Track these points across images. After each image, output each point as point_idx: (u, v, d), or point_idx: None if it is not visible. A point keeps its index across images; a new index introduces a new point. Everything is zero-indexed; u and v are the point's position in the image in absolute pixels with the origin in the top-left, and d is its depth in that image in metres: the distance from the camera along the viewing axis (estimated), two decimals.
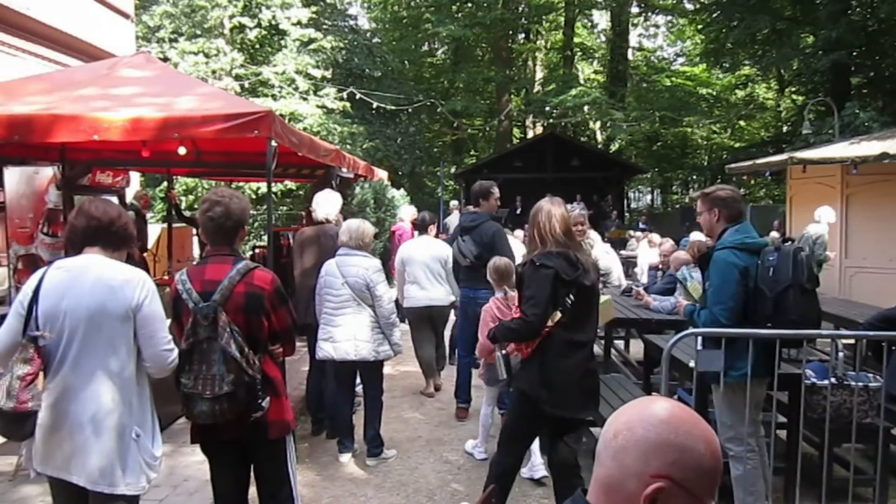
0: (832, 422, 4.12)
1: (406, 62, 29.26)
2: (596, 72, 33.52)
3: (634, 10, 29.73)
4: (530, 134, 30.55)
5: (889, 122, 13.79)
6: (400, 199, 11.92)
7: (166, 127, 4.65)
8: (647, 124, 25.58)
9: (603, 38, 32.86)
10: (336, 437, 5.28)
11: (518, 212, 19.24)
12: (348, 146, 18.42)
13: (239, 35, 20.55)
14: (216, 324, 2.87)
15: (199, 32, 19.88)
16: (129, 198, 9.24)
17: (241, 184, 18.42)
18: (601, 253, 10.28)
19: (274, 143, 4.83)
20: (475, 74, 27.91)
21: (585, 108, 24.80)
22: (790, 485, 4.19)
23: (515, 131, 31.60)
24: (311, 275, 5.39)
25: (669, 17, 30.71)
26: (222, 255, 3.08)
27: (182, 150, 6.26)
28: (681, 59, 33.10)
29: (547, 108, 27.41)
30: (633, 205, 34.64)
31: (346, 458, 5.12)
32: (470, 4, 27.37)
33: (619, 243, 15.05)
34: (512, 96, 28.71)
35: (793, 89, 24.49)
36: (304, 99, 19.83)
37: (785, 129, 24.48)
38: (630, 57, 30.84)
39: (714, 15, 20.89)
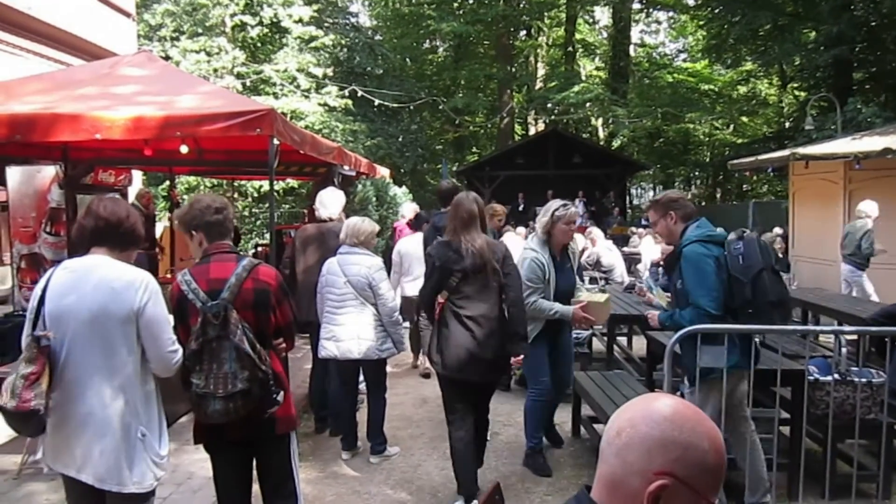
0: (835, 418, 4.12)
1: (408, 59, 29.26)
2: (598, 68, 33.45)
3: (636, 6, 29.66)
4: (532, 131, 30.54)
5: (891, 117, 13.76)
6: (402, 197, 11.92)
7: (168, 125, 4.66)
8: (649, 121, 25.51)
9: (605, 35, 32.79)
10: (339, 435, 5.28)
11: (520, 209, 19.25)
12: (350, 144, 18.42)
13: (240, 33, 20.56)
14: (227, 322, 2.87)
15: (200, 31, 19.89)
16: (131, 197, 9.27)
17: (243, 182, 18.47)
18: (604, 250, 10.29)
19: (276, 142, 4.83)
20: (477, 71, 27.87)
21: (587, 104, 24.75)
22: (793, 481, 4.19)
23: (517, 128, 31.56)
24: (314, 272, 5.39)
25: (671, 13, 30.64)
26: (224, 252, 3.08)
27: (184, 149, 6.27)
28: (683, 56, 33.03)
29: (549, 105, 27.36)
30: (635, 201, 34.58)
31: (349, 455, 5.12)
32: (471, 1, 27.33)
33: (621, 240, 15.05)
34: (513, 93, 28.68)
35: (795, 85, 24.44)
36: (306, 97, 19.83)
37: (787, 124, 24.42)
38: (632, 53, 30.78)
39: (716, 11, 20.85)
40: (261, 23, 20.11)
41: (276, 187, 7.15)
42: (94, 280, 2.64)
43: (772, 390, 4.53)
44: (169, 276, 8.63)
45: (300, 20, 19.86)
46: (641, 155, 30.14)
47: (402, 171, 23.10)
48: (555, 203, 4.66)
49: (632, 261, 12.02)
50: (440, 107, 24.63)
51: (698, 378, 3.83)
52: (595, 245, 10.17)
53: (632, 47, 30.91)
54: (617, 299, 6.78)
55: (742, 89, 27.62)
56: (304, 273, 5.62)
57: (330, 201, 5.71)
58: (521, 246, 7.90)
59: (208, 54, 19.26)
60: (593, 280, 9.73)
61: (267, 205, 16.40)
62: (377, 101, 20.60)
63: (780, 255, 10.41)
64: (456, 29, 24.97)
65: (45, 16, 8.42)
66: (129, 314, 2.64)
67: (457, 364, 4.07)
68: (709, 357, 3.82)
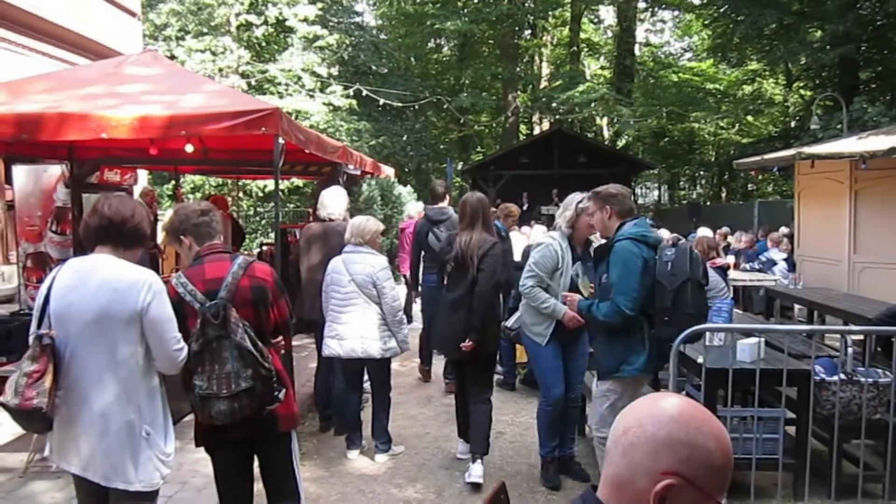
0: (841, 418, 4.11)
1: (412, 59, 29.28)
2: (602, 67, 33.42)
3: (641, 5, 29.58)
4: (537, 130, 30.48)
5: None
6: (407, 196, 11.94)
7: (174, 125, 4.66)
8: (654, 120, 25.47)
9: (609, 34, 32.73)
10: (344, 434, 5.29)
11: (525, 207, 19.23)
12: (355, 143, 18.44)
13: (245, 32, 20.60)
14: (227, 321, 2.86)
15: (205, 30, 19.93)
16: (136, 195, 9.28)
17: (248, 181, 18.51)
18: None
19: (281, 141, 4.83)
20: (481, 71, 27.85)
21: (592, 104, 24.71)
22: (799, 481, 4.18)
23: (522, 127, 31.53)
24: (318, 271, 5.40)
25: (676, 13, 30.56)
26: (217, 252, 3.08)
27: (189, 148, 6.27)
28: (688, 55, 32.93)
29: (553, 105, 27.34)
30: (640, 201, 34.52)
31: (354, 454, 5.12)
32: (475, 0, 27.32)
33: None
34: (518, 92, 28.65)
35: (800, 84, 24.36)
36: (311, 96, 19.85)
37: (793, 124, 24.32)
38: (637, 52, 30.70)
39: (721, 9, 20.78)
40: (266, 22, 20.14)
41: (281, 186, 7.15)
42: (97, 280, 2.64)
43: (778, 390, 4.52)
44: (173, 275, 8.63)
45: (305, 19, 19.87)
46: (646, 154, 30.08)
47: (407, 170, 23.13)
48: (577, 196, 4.52)
49: None
50: (445, 106, 24.64)
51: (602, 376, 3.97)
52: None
53: (637, 47, 30.82)
54: None
55: (747, 88, 27.53)
56: (309, 272, 5.62)
57: (330, 201, 5.70)
58: (522, 244, 7.93)
59: (213, 54, 19.29)
60: None
61: (272, 204, 16.43)
62: (382, 101, 20.60)
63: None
64: (460, 28, 24.96)
65: (50, 15, 8.44)
66: (133, 314, 2.64)
67: (438, 342, 4.91)
68: (711, 357, 3.83)
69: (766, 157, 11.14)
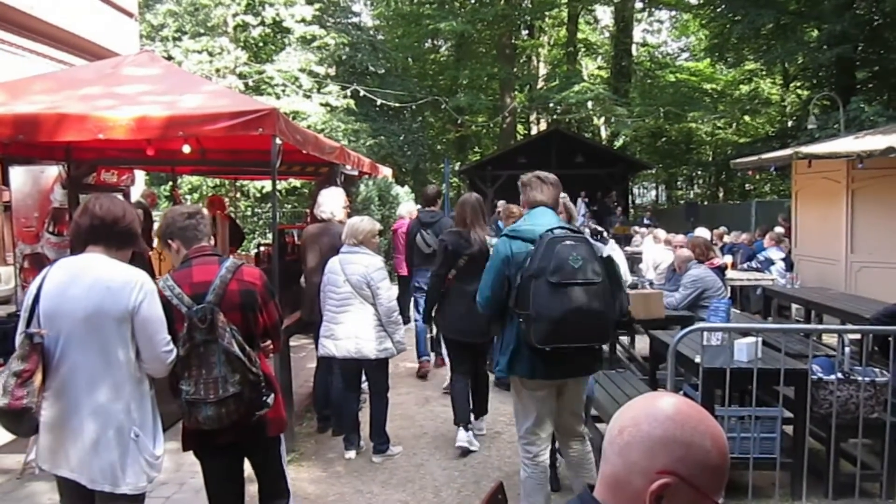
0: (839, 417, 4.12)
1: (409, 59, 29.26)
2: (600, 68, 33.44)
3: (638, 5, 29.65)
4: (534, 130, 30.53)
5: (894, 116, 13.72)
6: (404, 196, 11.92)
7: (171, 125, 4.65)
8: (652, 120, 25.50)
9: (606, 34, 32.78)
10: (342, 434, 5.29)
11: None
12: (352, 143, 18.42)
13: (242, 33, 20.57)
14: (214, 325, 2.83)
15: (202, 31, 19.91)
16: (134, 196, 9.28)
17: (245, 182, 18.48)
18: (606, 249, 10.26)
19: (278, 141, 4.83)
20: (478, 71, 27.84)
21: (589, 104, 24.72)
22: (797, 480, 4.18)
23: (519, 128, 31.55)
24: (316, 272, 5.40)
25: (673, 13, 30.62)
26: (206, 255, 3.06)
27: (186, 149, 6.27)
28: (685, 55, 33.00)
29: (551, 105, 27.37)
30: (637, 201, 34.57)
31: (351, 454, 5.13)
32: (472, 0, 27.32)
33: (623, 239, 15.02)
34: (515, 93, 28.66)
35: (798, 84, 24.41)
36: (308, 97, 19.83)
37: (790, 123, 24.35)
38: (634, 52, 30.74)
39: (718, 9, 20.83)
40: (263, 23, 20.11)
41: (278, 187, 7.16)
42: (89, 279, 2.62)
43: (775, 389, 4.52)
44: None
45: (302, 20, 19.85)
46: (644, 154, 30.12)
47: (405, 170, 23.10)
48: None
49: (634, 260, 12.00)
50: (442, 106, 24.64)
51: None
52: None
53: (634, 47, 30.87)
54: None
55: (744, 88, 27.58)
56: (308, 274, 5.63)
57: (324, 199, 5.73)
58: None
59: (210, 54, 19.27)
60: None
61: (269, 205, 16.40)
62: (379, 101, 20.59)
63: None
64: (457, 28, 24.96)
65: (47, 16, 8.43)
66: (125, 313, 2.63)
67: (458, 327, 5.14)
68: (708, 357, 3.84)
69: (764, 156, 11.14)
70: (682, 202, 30.06)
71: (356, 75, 22.13)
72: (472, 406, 5.33)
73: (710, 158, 31.24)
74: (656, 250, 10.09)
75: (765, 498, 4.27)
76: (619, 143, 29.24)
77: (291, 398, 5.43)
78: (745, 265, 10.45)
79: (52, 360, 2.61)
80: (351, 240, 4.95)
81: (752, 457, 4.09)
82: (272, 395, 3.04)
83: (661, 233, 10.83)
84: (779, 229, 11.73)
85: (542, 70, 31.04)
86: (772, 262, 10.06)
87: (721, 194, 30.78)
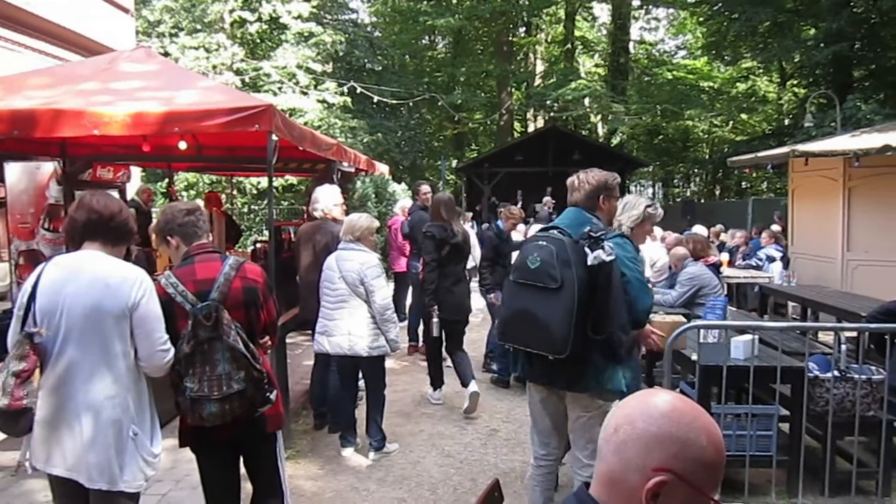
0: (835, 415, 4.13)
1: (406, 56, 29.23)
2: (597, 65, 33.44)
3: (635, 2, 29.65)
4: (531, 128, 30.50)
5: (891, 114, 13.74)
6: (401, 193, 11.92)
7: (167, 121, 4.63)
8: (649, 118, 25.52)
9: (604, 32, 32.77)
10: (338, 432, 5.28)
11: (519, 205, 19.21)
12: (349, 140, 18.40)
13: (239, 29, 20.50)
14: (219, 323, 2.83)
15: (199, 27, 19.85)
16: (130, 193, 9.25)
17: (241, 178, 18.43)
18: (601, 257, 10.24)
19: (275, 138, 4.80)
20: (475, 68, 27.83)
21: (586, 101, 24.73)
22: (793, 477, 4.19)
23: (516, 125, 31.54)
24: (310, 270, 5.40)
25: (670, 10, 30.62)
26: (207, 252, 3.05)
27: (183, 145, 6.25)
28: (682, 53, 33.01)
29: (548, 102, 27.34)
30: None
31: (348, 451, 5.12)
32: None
33: None
34: (512, 90, 28.64)
35: (794, 82, 24.42)
36: (305, 93, 19.79)
37: (787, 121, 24.38)
38: (631, 50, 30.75)
39: (715, 7, 20.82)
40: (259, 19, 20.05)
41: (274, 184, 7.14)
42: (88, 276, 2.61)
43: (771, 387, 4.53)
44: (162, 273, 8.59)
45: (299, 16, 19.80)
46: (641, 152, 30.13)
47: (402, 167, 23.08)
48: (642, 199, 4.02)
49: None
50: (439, 103, 24.62)
51: None
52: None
53: (631, 44, 30.88)
54: None
55: (741, 86, 27.61)
56: (303, 271, 5.63)
57: (318, 197, 5.73)
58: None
59: (207, 51, 19.20)
60: None
61: (266, 201, 16.36)
62: (376, 98, 20.55)
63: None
64: (454, 25, 24.95)
65: (42, 11, 8.38)
66: (124, 310, 2.61)
67: (453, 308, 6.00)
68: (705, 354, 3.83)
69: (760, 154, 11.15)
70: (678, 200, 30.08)
71: (353, 72, 22.10)
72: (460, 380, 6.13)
73: (707, 156, 31.26)
74: (653, 248, 10.10)
75: (761, 495, 4.28)
76: (615, 140, 29.23)
77: (287, 395, 5.43)
78: (742, 262, 10.45)
79: (48, 357, 2.59)
80: (348, 236, 4.94)
81: (748, 454, 4.10)
82: (274, 392, 3.05)
83: (657, 230, 10.83)
84: (775, 227, 11.75)
85: (540, 67, 31.03)
86: (773, 259, 10.06)
87: (718, 192, 30.81)
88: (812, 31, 18.42)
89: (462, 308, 6.12)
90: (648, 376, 5.83)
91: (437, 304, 5.92)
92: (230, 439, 3.06)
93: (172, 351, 2.79)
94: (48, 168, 7.17)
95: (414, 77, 27.29)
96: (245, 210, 20.41)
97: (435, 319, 5.95)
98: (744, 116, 27.78)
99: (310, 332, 5.68)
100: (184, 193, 17.50)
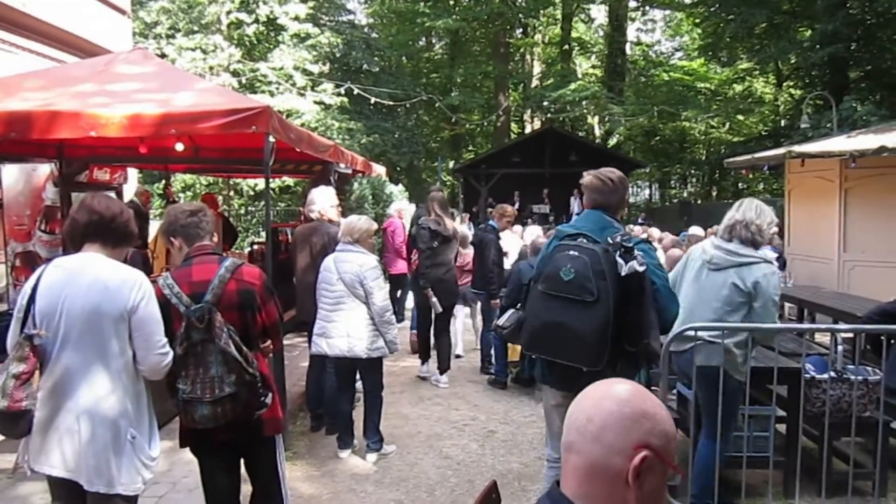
0: (831, 415, 4.13)
1: (404, 57, 29.24)
2: (594, 66, 33.45)
3: (632, 4, 29.68)
4: (528, 129, 30.52)
5: (887, 115, 13.78)
6: (398, 195, 11.92)
7: (164, 123, 4.62)
8: (646, 119, 25.52)
9: (601, 33, 32.80)
10: (335, 433, 5.27)
11: (516, 206, 19.25)
12: (346, 142, 18.40)
13: (236, 31, 20.51)
14: (211, 325, 2.83)
15: (196, 28, 19.85)
16: (127, 194, 9.24)
17: (238, 180, 18.44)
18: (634, 266, 10.25)
19: (272, 139, 4.80)
20: (472, 69, 27.84)
21: (583, 102, 24.74)
22: (790, 479, 4.19)
23: (513, 126, 31.55)
24: (307, 272, 5.39)
25: (667, 12, 30.65)
26: (206, 254, 3.05)
27: (179, 147, 6.24)
28: (679, 54, 33.04)
29: (545, 103, 27.39)
30: (631, 199, 34.58)
31: (345, 453, 5.11)
32: None
33: None
34: (510, 91, 28.65)
35: (791, 83, 24.46)
36: (302, 95, 19.79)
37: (783, 123, 24.43)
38: (628, 51, 30.78)
39: (711, 9, 20.89)
40: (257, 20, 20.06)
41: (271, 185, 7.13)
42: (87, 278, 2.60)
43: (768, 388, 4.53)
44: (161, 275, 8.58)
45: (296, 17, 19.81)
46: (637, 153, 30.15)
47: (399, 168, 23.10)
48: (765, 206, 3.94)
49: None
50: (436, 104, 24.64)
51: None
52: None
53: (628, 45, 30.91)
54: None
55: (738, 87, 27.63)
56: (299, 273, 5.63)
57: (313, 198, 5.73)
58: (517, 244, 7.95)
59: (204, 52, 19.20)
60: None
61: (263, 203, 16.37)
62: (373, 99, 20.56)
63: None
64: (451, 26, 24.96)
65: (38, 13, 8.36)
66: (123, 313, 2.61)
67: (444, 295, 6.72)
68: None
69: (757, 155, 11.18)
70: (675, 201, 30.10)
71: (350, 73, 22.10)
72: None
73: (704, 157, 31.27)
74: None
75: (758, 496, 4.28)
76: (612, 141, 29.25)
77: (285, 397, 5.41)
78: None
79: (47, 358, 2.59)
80: (347, 238, 4.93)
81: (745, 455, 4.11)
82: (270, 395, 3.04)
83: (655, 232, 10.84)
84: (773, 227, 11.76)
85: (537, 68, 31.04)
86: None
87: (714, 193, 30.82)
88: (808, 33, 18.47)
89: (451, 293, 6.90)
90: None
91: (431, 288, 6.68)
92: (228, 442, 3.06)
93: (171, 354, 2.79)
94: (45, 170, 7.17)
95: (411, 78, 27.31)
96: (242, 211, 20.43)
97: (434, 299, 6.71)
98: (740, 118, 27.82)
99: (306, 333, 5.68)
100: (181, 195, 17.52)
